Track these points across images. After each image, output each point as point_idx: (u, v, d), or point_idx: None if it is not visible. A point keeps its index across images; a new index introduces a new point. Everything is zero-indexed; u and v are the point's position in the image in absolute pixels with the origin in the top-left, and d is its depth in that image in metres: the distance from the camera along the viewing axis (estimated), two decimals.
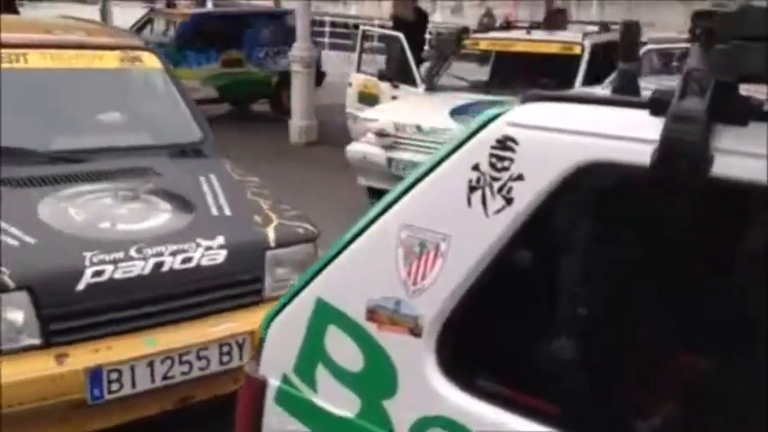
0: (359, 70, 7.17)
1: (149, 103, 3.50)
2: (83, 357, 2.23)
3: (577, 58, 5.82)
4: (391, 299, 1.20)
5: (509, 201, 1.11)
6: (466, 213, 1.14)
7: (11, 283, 2.17)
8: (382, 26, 10.10)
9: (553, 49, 6.02)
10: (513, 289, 1.19)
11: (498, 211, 1.11)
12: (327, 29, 20.51)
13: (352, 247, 1.27)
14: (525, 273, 1.20)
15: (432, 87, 6.23)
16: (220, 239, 2.55)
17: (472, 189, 1.14)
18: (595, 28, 6.72)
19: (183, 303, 2.45)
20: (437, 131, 5.25)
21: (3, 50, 3.02)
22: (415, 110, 5.78)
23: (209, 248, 2.50)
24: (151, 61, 3.40)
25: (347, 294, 1.26)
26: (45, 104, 3.12)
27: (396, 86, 6.58)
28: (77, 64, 3.19)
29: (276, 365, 1.35)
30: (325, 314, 1.28)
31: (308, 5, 8.37)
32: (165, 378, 2.37)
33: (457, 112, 5.43)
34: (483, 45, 6.53)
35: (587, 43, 5.87)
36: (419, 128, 5.32)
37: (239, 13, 7.73)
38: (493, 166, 1.13)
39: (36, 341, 2.20)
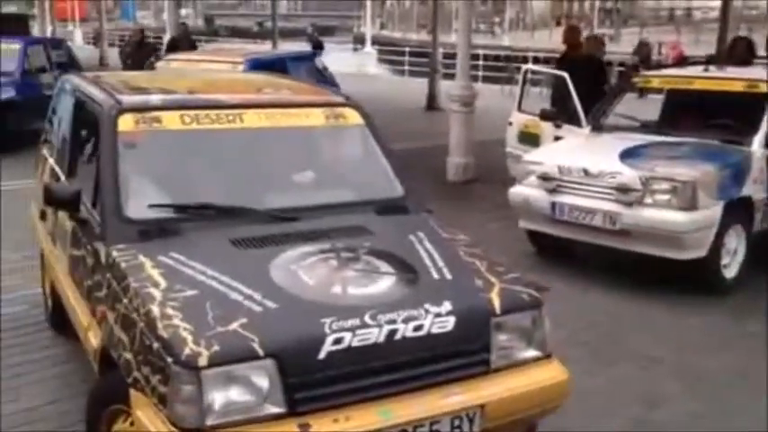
0: (520, 109, 7.05)
1: (353, 159, 3.50)
2: (324, 427, 2.19)
3: (763, 97, 5.36)
4: None
5: None
6: None
7: (260, 351, 2.16)
8: (536, 58, 9.85)
9: (735, 87, 5.58)
10: None
11: None
12: (480, 62, 20.52)
13: None
14: None
15: (598, 127, 5.99)
16: (447, 305, 2.44)
17: None
18: None
19: (415, 373, 2.35)
20: (605, 175, 5.02)
21: (223, 111, 3.14)
22: (581, 152, 5.57)
23: (438, 315, 2.40)
24: (353, 117, 3.40)
25: None
26: (259, 163, 3.20)
27: (558, 126, 6.40)
28: (287, 122, 3.26)
29: None
30: None
31: (468, 44, 8.39)
32: None
33: (628, 155, 5.17)
34: (655, 83, 6.20)
35: None
36: (586, 171, 5.12)
37: (279, 58, 8.23)
38: None
39: (281, 409, 2.18)
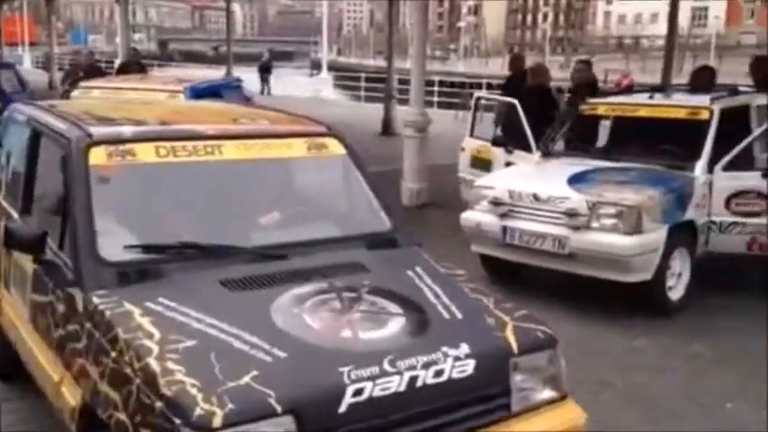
0: (472, 135, 7.14)
1: (337, 192, 3.33)
2: None
3: (705, 123, 5.53)
4: None
5: None
6: None
7: (278, 407, 1.99)
8: (490, 85, 9.99)
9: (678, 114, 5.75)
10: None
11: None
12: (436, 88, 20.77)
13: None
14: None
15: (547, 153, 6.10)
16: (465, 348, 2.31)
17: None
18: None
19: (437, 423, 2.21)
20: (554, 200, 5.10)
21: (201, 142, 2.92)
22: (531, 177, 5.65)
23: (457, 359, 2.27)
24: (336, 147, 3.24)
25: None
26: (240, 197, 3.02)
27: (510, 152, 6.49)
28: (268, 154, 3.07)
29: None
30: None
31: (422, 71, 8.49)
32: None
33: (575, 180, 5.27)
34: (601, 110, 6.35)
35: (716, 108, 5.58)
36: (536, 196, 5.19)
37: (214, 86, 7.73)
38: None
39: None
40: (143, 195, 2.87)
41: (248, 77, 15.13)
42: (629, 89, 9.79)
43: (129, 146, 2.82)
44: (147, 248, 2.60)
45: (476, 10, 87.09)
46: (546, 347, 2.49)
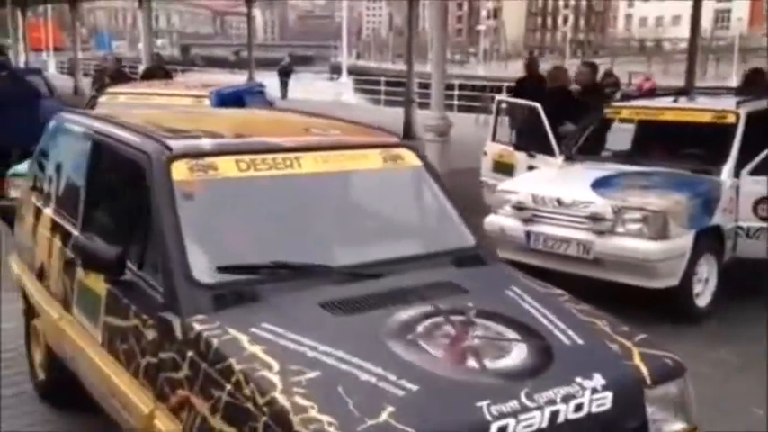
0: (494, 139, 7.12)
1: (416, 205, 3.17)
2: None
3: (731, 127, 5.47)
4: None
5: None
6: None
7: None
8: (510, 88, 9.97)
9: (704, 118, 5.70)
10: None
11: None
12: (456, 92, 20.75)
13: None
14: None
15: (570, 157, 6.07)
16: (599, 378, 2.14)
17: None
18: None
19: None
20: (578, 205, 5.07)
21: (279, 155, 2.77)
22: (554, 182, 5.62)
23: (594, 391, 2.10)
24: (410, 158, 3.07)
25: None
26: (321, 211, 2.88)
27: (532, 156, 6.47)
28: (346, 166, 2.92)
29: None
30: None
31: (442, 75, 8.49)
32: None
33: (599, 184, 5.23)
34: (626, 114, 6.31)
35: (743, 111, 5.52)
36: (559, 201, 5.16)
37: (237, 91, 7.70)
38: None
39: None
40: (226, 212, 2.72)
41: (269, 82, 15.21)
42: (652, 93, 9.73)
43: (209, 159, 2.66)
44: (239, 269, 2.44)
45: (495, 13, 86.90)
46: (676, 376, 2.34)
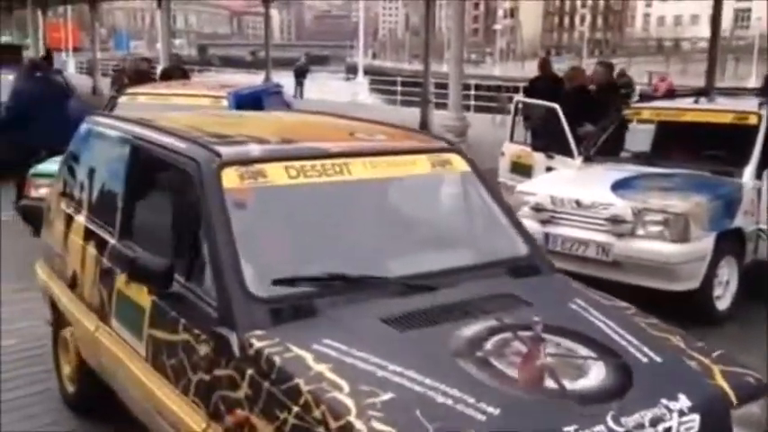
0: (512, 140, 7.10)
1: (466, 213, 3.06)
2: None
3: (753, 128, 5.41)
4: None
5: None
6: None
7: None
8: (526, 88, 9.93)
9: (726, 119, 5.64)
10: None
11: None
12: (472, 92, 20.69)
13: None
14: None
15: (589, 158, 6.03)
16: (684, 400, 2.03)
17: None
18: None
19: None
20: (597, 206, 5.04)
21: (328, 161, 2.66)
22: (573, 183, 5.59)
23: (681, 413, 2.01)
24: (459, 163, 2.97)
25: None
26: (373, 219, 2.80)
27: (550, 157, 6.43)
28: (395, 172, 2.82)
29: None
30: None
31: (460, 75, 8.48)
32: None
33: (619, 186, 5.19)
34: (646, 114, 6.25)
35: (765, 113, 5.45)
36: (578, 202, 5.13)
37: (255, 92, 7.69)
38: None
39: None
40: (278, 221, 2.61)
41: (285, 82, 15.26)
42: (671, 93, 9.64)
43: (258, 166, 2.56)
44: (295, 281, 2.34)
45: (512, 13, 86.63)
46: (760, 395, 2.24)
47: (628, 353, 2.22)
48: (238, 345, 2.16)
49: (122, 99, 6.70)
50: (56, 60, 28.31)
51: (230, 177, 2.49)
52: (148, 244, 2.72)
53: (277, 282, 2.31)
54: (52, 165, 4.96)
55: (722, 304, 5.04)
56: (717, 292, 4.99)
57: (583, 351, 2.19)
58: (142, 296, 2.65)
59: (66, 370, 3.61)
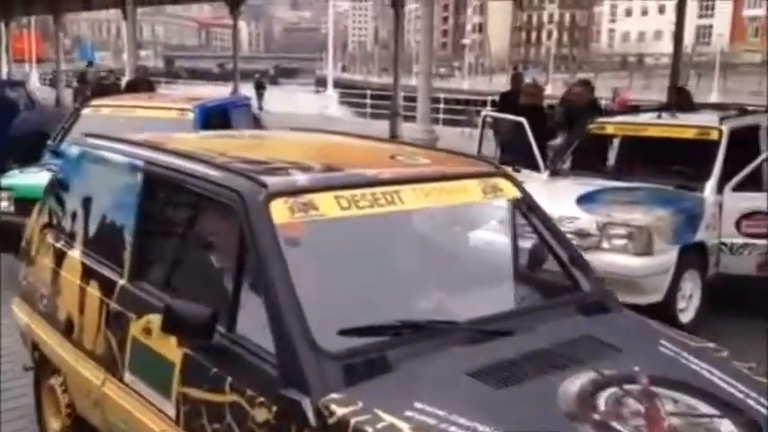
0: (479, 154, 7.11)
1: (523, 245, 2.84)
2: None
3: (714, 143, 5.50)
4: None
5: None
6: None
7: None
8: (495, 102, 10.04)
9: (688, 134, 5.73)
10: None
11: None
12: (441, 105, 20.83)
13: None
14: None
15: (555, 172, 6.07)
16: None
17: None
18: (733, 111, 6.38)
19: None
20: (563, 220, 5.06)
21: (378, 189, 2.35)
22: (539, 197, 5.59)
23: None
24: (509, 189, 2.71)
25: None
26: (430, 255, 2.57)
27: (517, 171, 6.45)
28: (447, 200, 2.53)
29: None
30: None
31: (429, 88, 8.52)
32: None
33: (584, 200, 5.24)
34: (610, 129, 6.33)
35: (725, 128, 5.56)
36: None
37: (222, 104, 7.61)
38: None
39: None
40: (332, 260, 2.36)
41: (252, 94, 15.20)
42: (626, 107, 9.77)
43: (307, 197, 2.24)
44: (363, 331, 2.05)
45: (480, 27, 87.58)
46: None
47: (749, 406, 2.03)
48: (314, 412, 1.84)
49: (85, 111, 6.57)
50: (18, 72, 27.84)
51: (279, 211, 2.17)
52: (170, 287, 2.42)
53: (344, 332, 2.01)
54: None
55: (686, 317, 5.09)
56: (680, 305, 5.05)
57: (702, 407, 1.97)
58: (169, 347, 2.31)
59: (54, 425, 3.18)
